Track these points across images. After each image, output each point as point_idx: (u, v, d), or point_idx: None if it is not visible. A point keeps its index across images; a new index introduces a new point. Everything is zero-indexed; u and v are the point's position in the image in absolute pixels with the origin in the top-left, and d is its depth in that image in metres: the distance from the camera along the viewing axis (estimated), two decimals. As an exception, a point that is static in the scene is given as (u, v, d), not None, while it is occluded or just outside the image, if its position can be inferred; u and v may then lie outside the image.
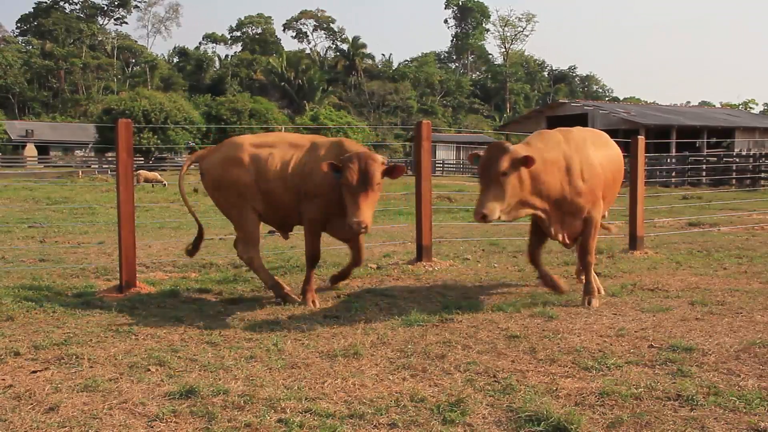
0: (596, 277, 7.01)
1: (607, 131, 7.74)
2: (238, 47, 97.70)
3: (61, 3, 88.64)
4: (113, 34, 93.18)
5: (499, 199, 5.90)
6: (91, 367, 4.81)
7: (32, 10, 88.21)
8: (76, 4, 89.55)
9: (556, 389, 4.30)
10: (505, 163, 5.86)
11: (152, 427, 3.81)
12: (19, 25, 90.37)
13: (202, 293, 7.33)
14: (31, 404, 4.11)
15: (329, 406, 4.05)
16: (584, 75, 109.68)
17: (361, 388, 4.36)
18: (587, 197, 6.51)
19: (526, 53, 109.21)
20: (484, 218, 5.86)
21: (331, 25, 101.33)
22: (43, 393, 4.28)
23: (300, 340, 5.45)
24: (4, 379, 4.54)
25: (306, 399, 4.15)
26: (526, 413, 3.89)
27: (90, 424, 3.83)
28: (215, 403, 4.09)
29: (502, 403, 4.11)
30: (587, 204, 6.53)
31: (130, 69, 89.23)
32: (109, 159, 47.05)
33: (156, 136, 47.55)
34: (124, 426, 3.82)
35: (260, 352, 5.11)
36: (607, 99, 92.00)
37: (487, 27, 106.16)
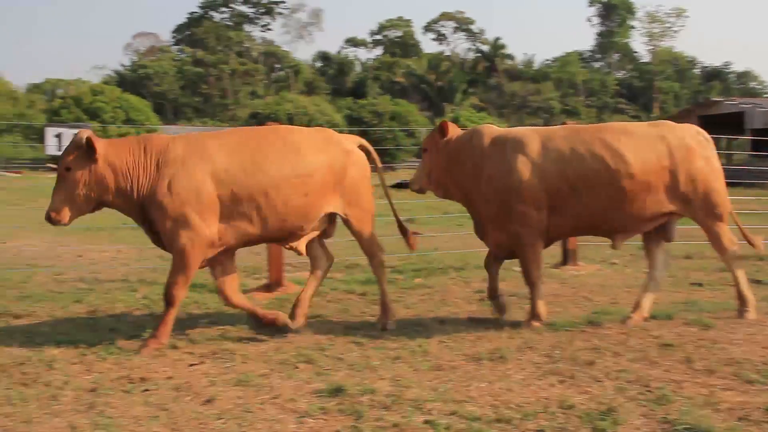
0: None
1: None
2: (378, 50, 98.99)
3: (212, 13, 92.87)
4: (259, 40, 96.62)
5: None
6: (244, 362, 4.99)
7: (186, 20, 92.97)
8: (225, 14, 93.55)
9: (716, 402, 4.07)
10: None
11: (302, 423, 3.91)
12: (174, 35, 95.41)
13: (347, 294, 7.45)
14: (190, 396, 4.31)
15: (476, 409, 4.01)
16: (741, 71, 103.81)
17: (507, 393, 4.30)
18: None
19: (675, 50, 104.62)
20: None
21: (471, 26, 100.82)
22: (200, 385, 4.47)
23: (445, 342, 5.44)
24: (165, 371, 4.79)
25: (452, 401, 4.13)
26: (684, 426, 3.71)
27: (244, 417, 3.97)
28: (362, 402, 4.14)
29: (656, 413, 3.94)
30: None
31: (274, 74, 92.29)
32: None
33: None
34: (276, 421, 3.93)
35: (405, 353, 5.13)
36: (766, 96, 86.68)
37: (632, 24, 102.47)
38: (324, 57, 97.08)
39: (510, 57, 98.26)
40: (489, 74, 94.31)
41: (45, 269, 8.85)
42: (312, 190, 5.65)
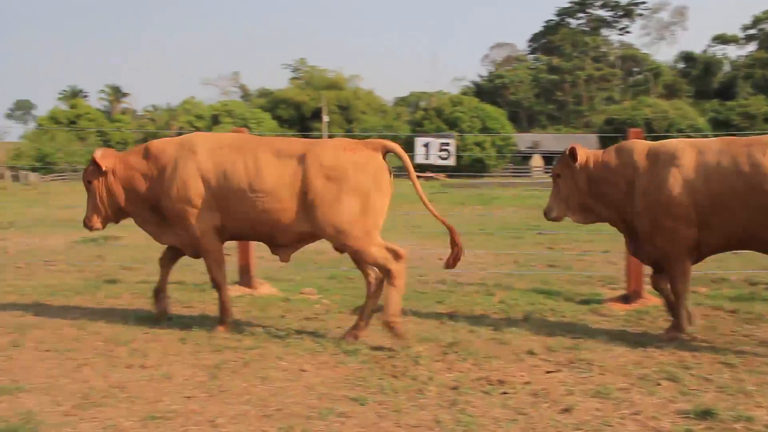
0: None
1: None
2: (752, 46, 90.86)
3: (568, 19, 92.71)
4: (616, 44, 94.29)
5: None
6: (602, 374, 4.87)
7: (542, 28, 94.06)
8: (582, 19, 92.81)
9: None
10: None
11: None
12: (530, 43, 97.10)
13: (714, 310, 6.91)
14: (547, 403, 4.31)
15: None
16: None
17: None
18: None
19: None
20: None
21: None
22: (557, 393, 4.45)
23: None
24: (522, 375, 4.84)
25: None
26: None
27: (602, 431, 3.86)
28: (737, 429, 3.81)
29: None
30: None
31: (632, 78, 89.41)
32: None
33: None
34: (637, 439, 3.77)
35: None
36: None
37: None
38: (687, 57, 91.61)
39: None
40: None
41: (409, 269, 9.47)
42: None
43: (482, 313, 6.87)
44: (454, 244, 5.93)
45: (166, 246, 6.60)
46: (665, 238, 5.75)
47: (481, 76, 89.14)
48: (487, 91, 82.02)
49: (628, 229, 6.16)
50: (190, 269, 9.41)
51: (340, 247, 6.01)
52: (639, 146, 6.04)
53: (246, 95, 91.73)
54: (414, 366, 5.08)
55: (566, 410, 4.17)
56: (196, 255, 6.42)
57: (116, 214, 6.53)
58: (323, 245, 9.97)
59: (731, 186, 5.47)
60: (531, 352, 5.41)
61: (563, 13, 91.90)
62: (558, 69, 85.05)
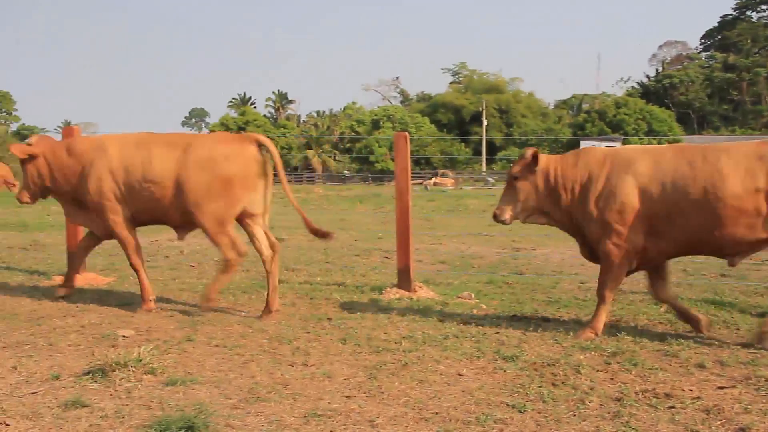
0: None
1: None
2: None
3: (748, 13, 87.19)
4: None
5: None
6: (781, 392, 4.53)
7: (716, 24, 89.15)
8: (764, 12, 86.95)
9: None
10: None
11: None
12: (702, 41, 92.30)
13: None
14: (720, 421, 4.06)
15: None
16: None
17: None
18: None
19: None
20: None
21: None
22: (731, 411, 4.19)
23: None
24: (691, 390, 4.59)
25: None
26: None
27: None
28: None
29: None
30: None
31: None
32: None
33: None
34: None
35: None
36: None
37: None
38: None
39: None
40: None
41: (570, 276, 9.25)
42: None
43: (647, 323, 6.59)
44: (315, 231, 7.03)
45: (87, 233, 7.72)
46: (611, 243, 5.94)
47: (648, 77, 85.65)
48: (654, 92, 78.76)
49: (578, 234, 6.35)
50: (350, 272, 9.65)
51: (202, 230, 6.97)
52: (596, 153, 6.23)
53: (406, 100, 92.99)
54: (575, 375, 4.94)
55: (742, 430, 3.91)
56: (109, 237, 7.36)
57: (43, 193, 7.48)
58: (482, 249, 9.94)
59: (685, 192, 5.65)
60: (701, 366, 5.13)
61: (743, 6, 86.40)
62: (734, 67, 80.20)
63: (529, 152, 6.39)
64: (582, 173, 6.14)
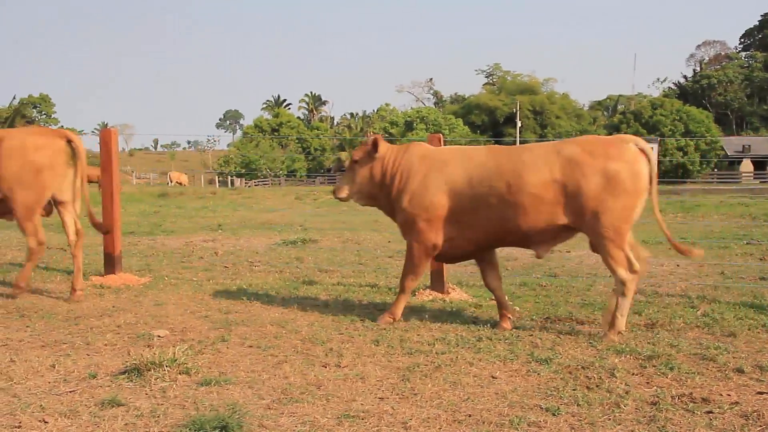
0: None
1: None
2: None
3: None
4: None
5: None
6: (822, 398, 4.44)
7: (757, 23, 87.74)
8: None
9: None
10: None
11: None
12: (742, 40, 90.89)
13: None
14: (760, 427, 3.99)
15: None
16: None
17: None
18: None
19: None
20: None
21: None
22: (770, 417, 4.11)
23: None
24: (729, 395, 4.52)
25: None
26: None
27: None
28: None
29: None
30: None
31: None
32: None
33: None
34: None
35: None
36: None
37: None
38: None
39: None
40: None
41: (605, 279, 9.16)
42: None
43: (683, 326, 6.50)
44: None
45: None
46: (414, 239, 6.51)
47: (686, 77, 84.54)
48: (691, 93, 77.74)
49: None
50: (383, 273, 9.66)
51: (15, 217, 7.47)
52: (420, 149, 6.69)
53: (439, 101, 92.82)
54: (610, 378, 4.89)
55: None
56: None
57: None
58: (516, 251, 9.91)
59: (491, 187, 6.12)
60: (739, 370, 5.05)
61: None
62: (775, 66, 78.76)
63: (371, 139, 6.85)
64: (405, 167, 6.60)
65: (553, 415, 4.22)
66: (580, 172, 5.90)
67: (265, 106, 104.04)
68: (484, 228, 6.31)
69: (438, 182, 6.36)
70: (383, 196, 6.81)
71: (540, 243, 6.27)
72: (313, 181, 65.32)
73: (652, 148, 6.09)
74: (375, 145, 6.79)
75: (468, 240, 6.43)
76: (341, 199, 7.06)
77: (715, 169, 62.21)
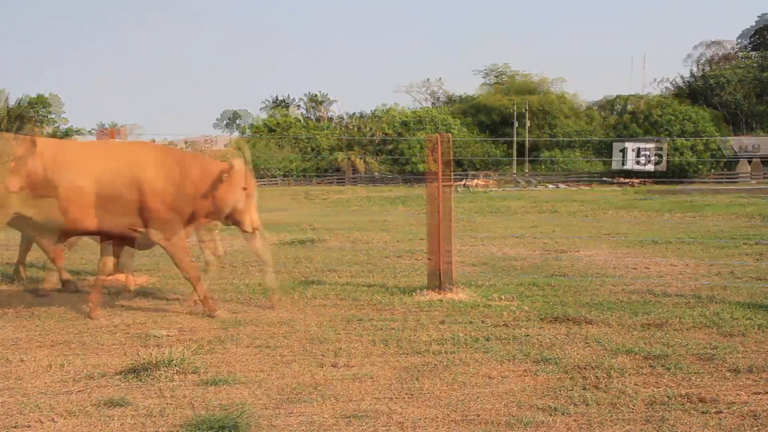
0: None
1: None
2: None
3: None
4: None
5: None
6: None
7: (754, 23, 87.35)
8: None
9: None
10: None
11: None
12: (749, 39, 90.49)
13: None
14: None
15: None
16: None
17: None
18: None
19: None
20: None
21: None
22: (779, 417, 4.10)
23: None
24: (738, 395, 4.51)
25: None
26: None
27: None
28: None
29: None
30: None
31: None
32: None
33: None
34: None
35: None
36: None
37: None
38: None
39: None
40: None
41: (614, 278, 9.14)
42: None
43: (692, 326, 6.47)
44: None
45: None
46: None
47: (693, 76, 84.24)
48: (699, 93, 77.46)
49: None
50: (391, 273, 9.66)
51: None
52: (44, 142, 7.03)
53: (446, 101, 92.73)
54: (618, 378, 4.88)
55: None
56: None
57: None
58: (525, 251, 9.89)
59: (53, 186, 6.60)
60: (749, 370, 5.03)
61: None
62: (784, 66, 78.35)
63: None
64: None
65: (562, 414, 4.21)
66: None
67: (264, 106, 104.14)
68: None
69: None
70: None
71: (109, 239, 7.11)
72: (321, 181, 65.33)
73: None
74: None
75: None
76: None
77: (724, 169, 61.92)
